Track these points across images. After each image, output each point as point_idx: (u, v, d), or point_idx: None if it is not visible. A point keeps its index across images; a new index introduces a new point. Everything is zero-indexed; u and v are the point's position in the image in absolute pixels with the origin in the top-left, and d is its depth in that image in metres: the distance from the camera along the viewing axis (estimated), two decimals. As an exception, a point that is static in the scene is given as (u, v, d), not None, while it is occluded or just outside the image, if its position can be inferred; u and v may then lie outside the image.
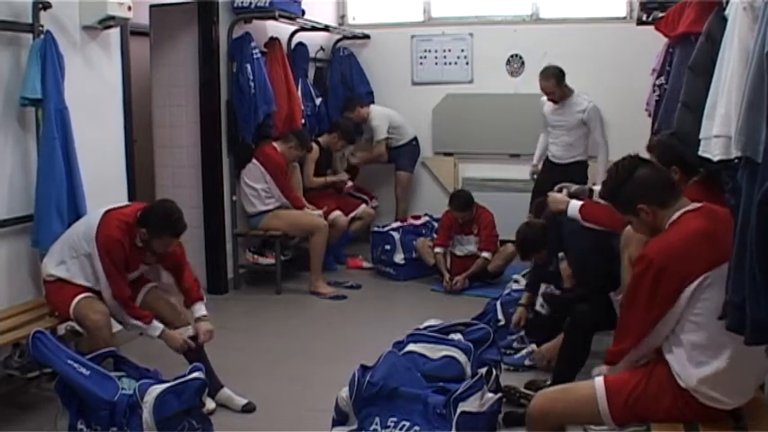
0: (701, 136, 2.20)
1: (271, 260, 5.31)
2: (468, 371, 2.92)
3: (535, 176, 5.55)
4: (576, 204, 3.28)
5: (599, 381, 2.19)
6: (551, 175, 5.29)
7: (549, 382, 3.16)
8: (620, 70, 5.74)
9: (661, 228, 2.20)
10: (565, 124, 5.20)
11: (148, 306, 3.36)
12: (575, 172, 5.12)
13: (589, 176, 5.15)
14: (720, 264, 1.99)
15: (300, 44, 6.14)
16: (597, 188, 3.40)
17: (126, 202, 3.58)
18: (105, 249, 3.12)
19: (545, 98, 5.27)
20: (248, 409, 3.32)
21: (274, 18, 5.21)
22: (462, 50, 6.53)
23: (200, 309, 3.44)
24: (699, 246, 2.06)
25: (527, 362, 3.69)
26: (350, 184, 6.11)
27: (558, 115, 5.23)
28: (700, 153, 2.20)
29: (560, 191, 3.48)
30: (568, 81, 5.25)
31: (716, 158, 2.07)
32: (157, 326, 3.24)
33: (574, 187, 3.52)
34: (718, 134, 2.05)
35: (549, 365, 3.47)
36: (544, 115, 5.34)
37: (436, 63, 6.63)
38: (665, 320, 2.09)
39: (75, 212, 3.46)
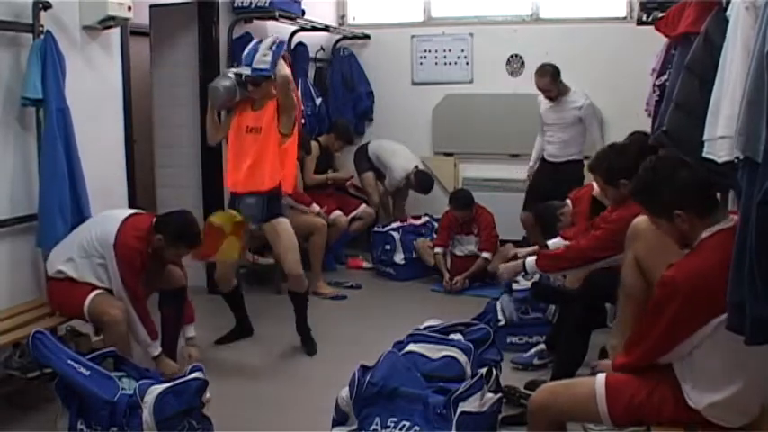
0: (704, 137, 2.19)
1: (271, 260, 5.31)
2: (468, 371, 2.92)
3: (530, 177, 5.56)
4: (531, 260, 3.29)
5: (600, 380, 2.16)
6: (547, 174, 5.31)
7: (549, 382, 3.16)
8: (620, 70, 5.74)
9: (692, 239, 2.08)
10: (561, 122, 5.22)
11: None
12: (570, 171, 5.15)
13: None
14: None
15: (300, 44, 6.14)
16: (552, 242, 3.53)
17: (131, 210, 3.62)
18: (125, 259, 3.19)
19: (541, 97, 5.29)
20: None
21: (274, 18, 5.21)
22: (462, 50, 6.53)
23: (191, 330, 3.66)
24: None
25: (536, 361, 3.69)
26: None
27: (554, 112, 5.26)
28: (704, 155, 2.19)
29: (514, 258, 3.58)
30: (568, 81, 5.26)
31: (721, 160, 2.05)
32: (158, 347, 3.37)
33: (525, 250, 3.70)
34: (723, 135, 2.04)
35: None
36: (540, 115, 5.35)
37: (436, 63, 6.63)
38: (686, 343, 2.02)
39: (78, 212, 3.46)
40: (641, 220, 2.69)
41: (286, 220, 4.07)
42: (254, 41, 3.99)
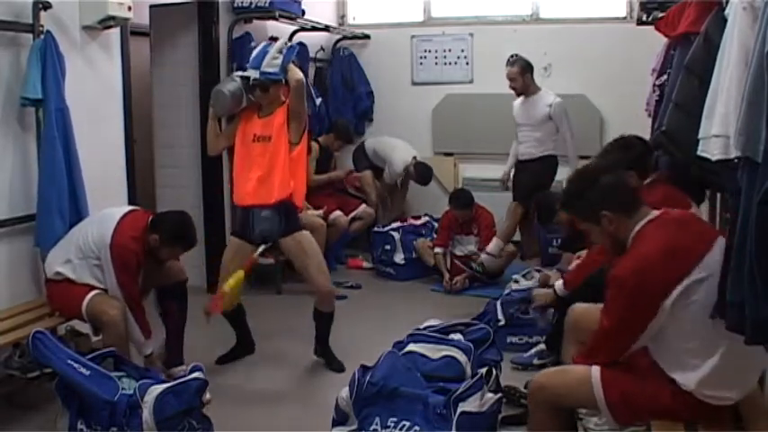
0: (699, 136, 2.19)
1: (271, 260, 5.30)
2: (468, 371, 2.93)
3: (509, 184, 5.52)
4: (559, 284, 3.59)
5: (595, 372, 2.18)
6: (524, 171, 5.30)
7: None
8: (620, 70, 5.74)
9: (623, 239, 2.19)
10: (532, 120, 5.18)
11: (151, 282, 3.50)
12: (547, 164, 5.15)
13: (559, 174, 5.17)
14: (696, 265, 2.02)
15: (300, 44, 6.13)
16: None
17: (129, 207, 3.58)
18: (121, 259, 3.18)
19: (516, 101, 5.28)
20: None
21: (274, 18, 5.22)
22: (462, 50, 6.53)
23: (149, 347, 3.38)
24: (669, 259, 2.06)
25: (536, 361, 3.69)
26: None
27: (524, 111, 5.23)
28: (698, 153, 2.20)
29: (544, 285, 3.93)
30: (568, 81, 5.25)
31: (714, 158, 2.06)
32: (150, 346, 3.34)
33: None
34: (717, 134, 2.05)
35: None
36: (514, 118, 5.32)
37: (436, 63, 6.63)
38: (647, 332, 2.09)
39: (77, 212, 3.46)
40: (576, 310, 2.83)
41: (308, 233, 3.80)
42: (264, 43, 3.69)
